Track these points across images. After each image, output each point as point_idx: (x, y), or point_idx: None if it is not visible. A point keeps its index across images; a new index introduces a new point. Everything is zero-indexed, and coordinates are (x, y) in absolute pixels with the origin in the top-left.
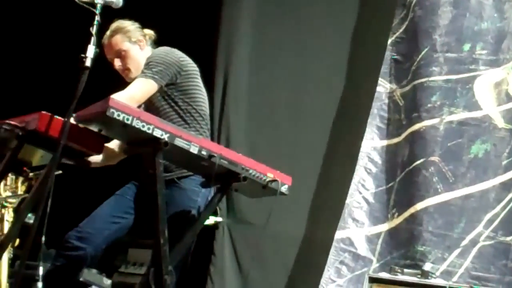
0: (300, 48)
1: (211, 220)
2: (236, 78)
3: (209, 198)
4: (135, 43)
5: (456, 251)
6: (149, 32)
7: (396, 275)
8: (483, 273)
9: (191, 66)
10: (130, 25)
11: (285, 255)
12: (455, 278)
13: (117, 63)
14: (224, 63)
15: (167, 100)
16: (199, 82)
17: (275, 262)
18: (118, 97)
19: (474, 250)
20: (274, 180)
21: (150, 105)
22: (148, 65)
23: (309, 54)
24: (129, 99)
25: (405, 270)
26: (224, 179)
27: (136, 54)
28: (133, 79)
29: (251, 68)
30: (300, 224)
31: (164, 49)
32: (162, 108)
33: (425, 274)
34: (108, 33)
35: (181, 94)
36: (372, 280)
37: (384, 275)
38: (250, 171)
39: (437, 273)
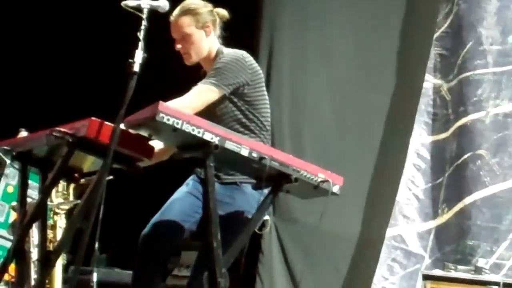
0: (349, 46)
1: None
2: (280, 75)
3: None
4: (201, 28)
5: (505, 244)
6: (221, 12)
7: (450, 271)
8: None
9: (259, 74)
10: (202, 7)
11: (336, 253)
12: (504, 271)
13: (179, 45)
14: (267, 62)
15: (232, 109)
16: (264, 91)
17: (325, 261)
18: (174, 103)
19: None
20: (325, 181)
21: (212, 114)
22: (215, 70)
23: (359, 52)
24: (185, 106)
25: (458, 267)
26: (275, 181)
27: (200, 40)
28: (192, 63)
29: (300, 64)
30: (351, 222)
31: (234, 55)
32: (225, 117)
33: (478, 270)
34: (177, 10)
35: (246, 103)
36: (426, 277)
37: (437, 272)
38: (301, 172)
39: (486, 266)
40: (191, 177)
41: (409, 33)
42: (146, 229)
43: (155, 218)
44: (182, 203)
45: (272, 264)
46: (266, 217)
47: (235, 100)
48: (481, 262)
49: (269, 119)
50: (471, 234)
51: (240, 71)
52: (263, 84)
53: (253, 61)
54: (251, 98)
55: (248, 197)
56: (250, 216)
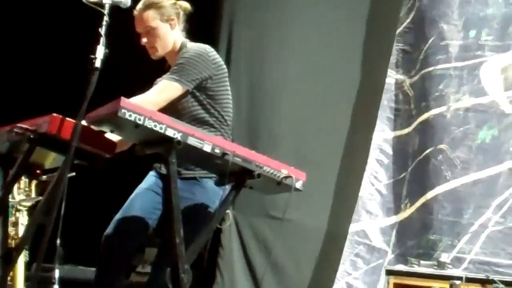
0: (311, 40)
1: None
2: (239, 68)
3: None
4: (166, 22)
5: (465, 237)
6: (184, 4)
7: (413, 266)
8: (493, 259)
9: (222, 69)
10: (165, 1)
11: (299, 248)
12: (464, 265)
13: (144, 39)
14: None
15: (193, 103)
16: (227, 85)
17: (287, 256)
18: (137, 99)
19: (483, 236)
20: (288, 177)
21: (173, 108)
22: (178, 66)
23: (321, 46)
24: (148, 102)
25: (421, 262)
26: (238, 177)
27: (165, 33)
28: (158, 57)
29: (259, 57)
30: (316, 218)
31: (198, 50)
32: (185, 111)
33: (441, 265)
34: (141, 4)
35: (208, 97)
36: (389, 272)
37: (401, 267)
38: (264, 168)
39: (448, 261)
40: (151, 172)
41: (372, 29)
42: (108, 229)
43: (117, 217)
44: (142, 200)
45: (232, 258)
46: (227, 211)
47: (197, 94)
48: (443, 257)
49: (230, 114)
50: (433, 228)
51: (203, 65)
52: (227, 79)
53: (217, 56)
54: (214, 92)
55: (208, 192)
56: (210, 211)
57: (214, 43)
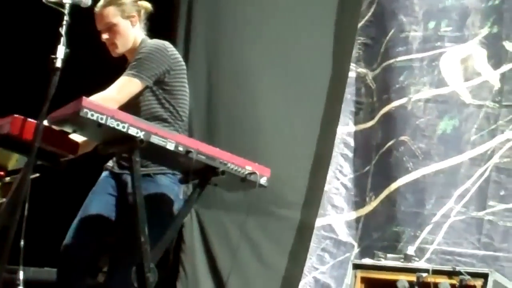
0: (276, 33)
1: None
2: (197, 63)
3: (180, 196)
4: (127, 18)
5: (428, 228)
6: (145, 5)
7: (380, 260)
8: (456, 248)
9: (180, 64)
10: None
11: (265, 243)
12: (427, 255)
13: (105, 36)
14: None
15: (148, 98)
16: (185, 81)
17: (247, 249)
18: (98, 98)
19: (446, 226)
20: (252, 173)
21: (129, 103)
22: (137, 61)
23: (287, 40)
24: (109, 100)
25: (388, 255)
26: (202, 174)
27: (126, 30)
28: (118, 54)
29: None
30: (283, 211)
31: (156, 45)
32: (142, 105)
33: (407, 258)
34: (102, 2)
35: (165, 92)
36: (356, 266)
37: (367, 261)
38: (228, 165)
39: (413, 253)
40: (103, 174)
41: (336, 23)
42: (66, 239)
43: (74, 224)
44: (98, 204)
45: (195, 253)
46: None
47: (154, 88)
48: (410, 250)
49: (186, 110)
50: (396, 220)
51: (161, 60)
52: (184, 75)
53: (175, 51)
54: (170, 87)
55: (163, 188)
56: (165, 207)
57: (172, 40)
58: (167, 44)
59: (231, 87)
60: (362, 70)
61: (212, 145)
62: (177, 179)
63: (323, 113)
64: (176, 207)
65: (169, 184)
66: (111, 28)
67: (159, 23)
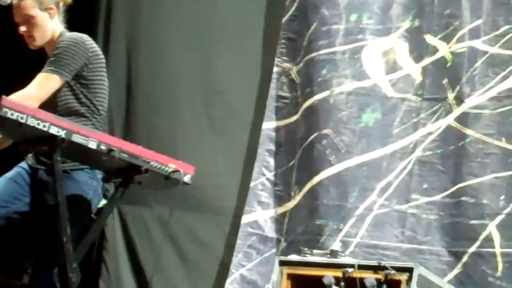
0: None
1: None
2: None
3: (99, 190)
4: (45, 11)
5: (351, 221)
6: None
7: (306, 256)
8: (379, 242)
9: (99, 58)
10: None
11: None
12: (351, 248)
13: (23, 28)
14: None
15: (66, 93)
16: (104, 76)
17: (170, 247)
18: (18, 96)
19: (369, 219)
20: (176, 171)
21: (47, 98)
22: (55, 56)
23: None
24: (29, 98)
25: (314, 251)
26: (125, 173)
27: (44, 22)
28: (36, 47)
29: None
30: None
31: (73, 38)
32: (59, 100)
33: (333, 254)
34: None
35: (82, 86)
36: (282, 263)
37: (294, 257)
38: (152, 163)
39: (338, 247)
40: (21, 163)
41: (260, 18)
42: None
43: None
44: (2, 189)
45: (117, 251)
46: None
47: (72, 83)
48: (336, 245)
49: (105, 104)
50: (319, 213)
51: (80, 54)
52: (103, 68)
53: (94, 44)
54: (88, 81)
55: (80, 184)
56: (84, 204)
57: (92, 32)
58: (85, 37)
59: (150, 78)
60: (287, 64)
61: (132, 139)
62: (95, 174)
63: (250, 110)
64: (96, 201)
65: (87, 179)
66: (29, 21)
67: (78, 15)
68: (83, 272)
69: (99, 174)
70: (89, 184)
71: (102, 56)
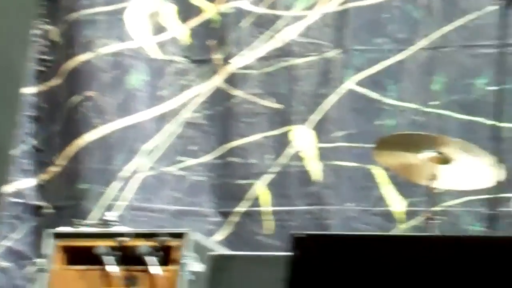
0: None
1: None
2: None
3: None
4: None
5: (116, 184)
6: None
7: (78, 227)
8: (147, 204)
9: None
10: None
11: None
12: (119, 212)
13: None
14: None
15: None
16: None
17: None
18: None
19: (135, 182)
20: None
21: None
22: None
23: None
24: None
25: (87, 222)
26: None
27: None
28: None
29: None
30: None
31: None
32: None
33: (106, 224)
34: None
35: None
36: (53, 235)
37: (65, 229)
38: None
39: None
40: None
41: None
42: None
43: None
44: None
45: None
46: None
47: None
48: (109, 215)
49: None
50: (83, 177)
51: None
52: None
53: None
54: None
55: None
56: None
57: None
58: None
59: None
60: (48, 26)
61: None
62: None
63: (5, 74)
64: None
65: None
66: None
67: None
68: None
69: None
70: None
71: None
